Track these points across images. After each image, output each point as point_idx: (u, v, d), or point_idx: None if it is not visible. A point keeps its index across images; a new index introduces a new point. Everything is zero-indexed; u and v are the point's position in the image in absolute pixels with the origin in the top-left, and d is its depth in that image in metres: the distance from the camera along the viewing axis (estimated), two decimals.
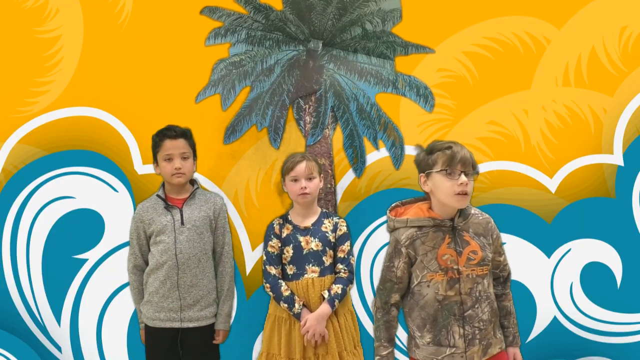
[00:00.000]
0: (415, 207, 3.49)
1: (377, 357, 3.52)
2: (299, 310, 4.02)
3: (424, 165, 3.44)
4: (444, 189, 3.35)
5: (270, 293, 4.10)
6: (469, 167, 3.35)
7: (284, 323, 4.07)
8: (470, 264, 3.37)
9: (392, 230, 3.49)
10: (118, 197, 4.56)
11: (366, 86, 4.56)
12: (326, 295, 4.04)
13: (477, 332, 3.37)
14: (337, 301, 4.04)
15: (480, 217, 3.49)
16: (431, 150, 3.42)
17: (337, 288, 4.05)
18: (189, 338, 4.14)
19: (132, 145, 4.55)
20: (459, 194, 3.33)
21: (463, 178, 3.31)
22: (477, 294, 3.38)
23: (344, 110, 4.56)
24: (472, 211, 3.49)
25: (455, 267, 3.37)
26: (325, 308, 4.02)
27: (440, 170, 3.35)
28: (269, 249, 4.14)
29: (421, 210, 3.45)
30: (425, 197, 3.51)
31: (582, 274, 4.45)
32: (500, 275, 3.57)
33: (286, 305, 4.04)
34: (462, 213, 3.42)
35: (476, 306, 3.37)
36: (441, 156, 3.36)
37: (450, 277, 3.36)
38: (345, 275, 4.10)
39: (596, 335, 4.44)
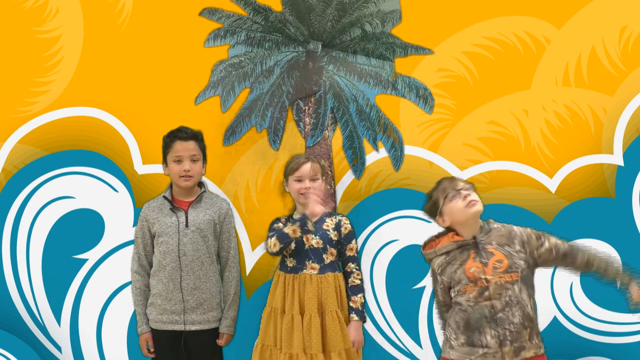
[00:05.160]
0: (445, 237, 3.82)
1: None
2: (299, 217, 4.05)
3: (434, 210, 3.82)
4: (457, 209, 3.71)
5: (277, 241, 4.05)
6: (463, 185, 3.77)
7: (280, 315, 4.09)
8: (497, 272, 3.66)
9: (428, 261, 3.88)
10: (118, 197, 4.57)
11: (366, 87, 4.56)
12: (355, 316, 4.11)
13: (507, 333, 3.62)
14: (364, 311, 4.16)
15: (503, 230, 3.77)
16: (430, 196, 3.84)
17: (358, 299, 4.15)
18: (193, 341, 4.14)
19: (132, 145, 4.56)
20: (469, 204, 3.68)
21: (464, 192, 3.71)
22: (507, 298, 3.64)
23: (343, 112, 4.56)
24: (495, 226, 3.78)
25: (482, 276, 3.66)
26: (357, 324, 4.12)
27: (445, 200, 3.73)
28: (275, 227, 4.17)
29: (448, 238, 3.80)
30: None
31: (582, 274, 4.43)
32: (562, 254, 3.75)
33: (292, 224, 4.04)
34: (483, 229, 3.75)
35: (506, 309, 3.63)
36: (438, 193, 3.78)
37: (480, 286, 3.66)
38: (359, 279, 4.18)
39: (596, 335, 4.42)
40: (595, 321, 4.42)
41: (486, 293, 3.63)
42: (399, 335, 4.51)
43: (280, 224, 4.17)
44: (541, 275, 4.39)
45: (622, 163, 4.44)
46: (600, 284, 4.41)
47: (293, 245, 4.13)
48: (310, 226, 4.07)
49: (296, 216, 4.16)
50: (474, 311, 3.64)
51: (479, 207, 3.71)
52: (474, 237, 3.72)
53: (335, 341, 4.05)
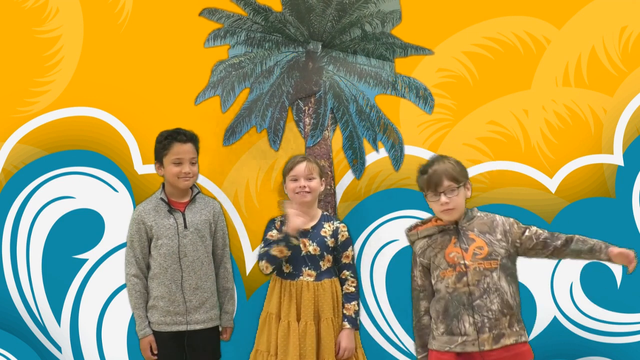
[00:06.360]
0: (429, 222, 3.85)
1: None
2: (282, 236, 3.99)
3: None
4: (433, 208, 3.77)
5: (268, 264, 4.04)
6: (447, 186, 3.69)
7: (275, 320, 4.06)
8: (476, 258, 3.67)
9: (411, 244, 3.89)
10: (118, 197, 4.57)
11: (365, 87, 4.57)
12: (347, 324, 4.07)
13: (486, 320, 3.62)
14: (358, 318, 4.11)
15: (485, 218, 3.79)
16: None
17: (352, 307, 4.10)
18: (194, 340, 4.15)
19: (132, 145, 4.57)
20: (443, 211, 3.71)
21: (442, 199, 3.68)
22: (486, 285, 3.65)
23: (343, 112, 4.56)
24: (478, 214, 3.80)
25: (461, 262, 3.67)
26: (349, 332, 4.07)
27: (425, 195, 3.76)
28: (268, 237, 4.13)
29: (431, 222, 3.83)
30: None
31: (582, 274, 4.43)
32: (542, 240, 3.71)
33: (277, 245, 3.99)
34: (466, 216, 3.77)
35: (484, 297, 3.64)
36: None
37: (459, 271, 3.67)
38: (354, 287, 4.14)
39: (596, 335, 4.42)
40: (595, 321, 4.42)
41: (464, 278, 3.64)
42: (399, 335, 4.51)
43: (275, 231, 4.12)
44: (541, 275, 4.44)
45: (622, 163, 4.44)
46: (600, 284, 4.45)
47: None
48: (294, 242, 4.01)
49: None
50: (452, 298, 3.65)
51: (454, 216, 3.71)
52: (456, 223, 3.74)
53: (330, 349, 4.04)
